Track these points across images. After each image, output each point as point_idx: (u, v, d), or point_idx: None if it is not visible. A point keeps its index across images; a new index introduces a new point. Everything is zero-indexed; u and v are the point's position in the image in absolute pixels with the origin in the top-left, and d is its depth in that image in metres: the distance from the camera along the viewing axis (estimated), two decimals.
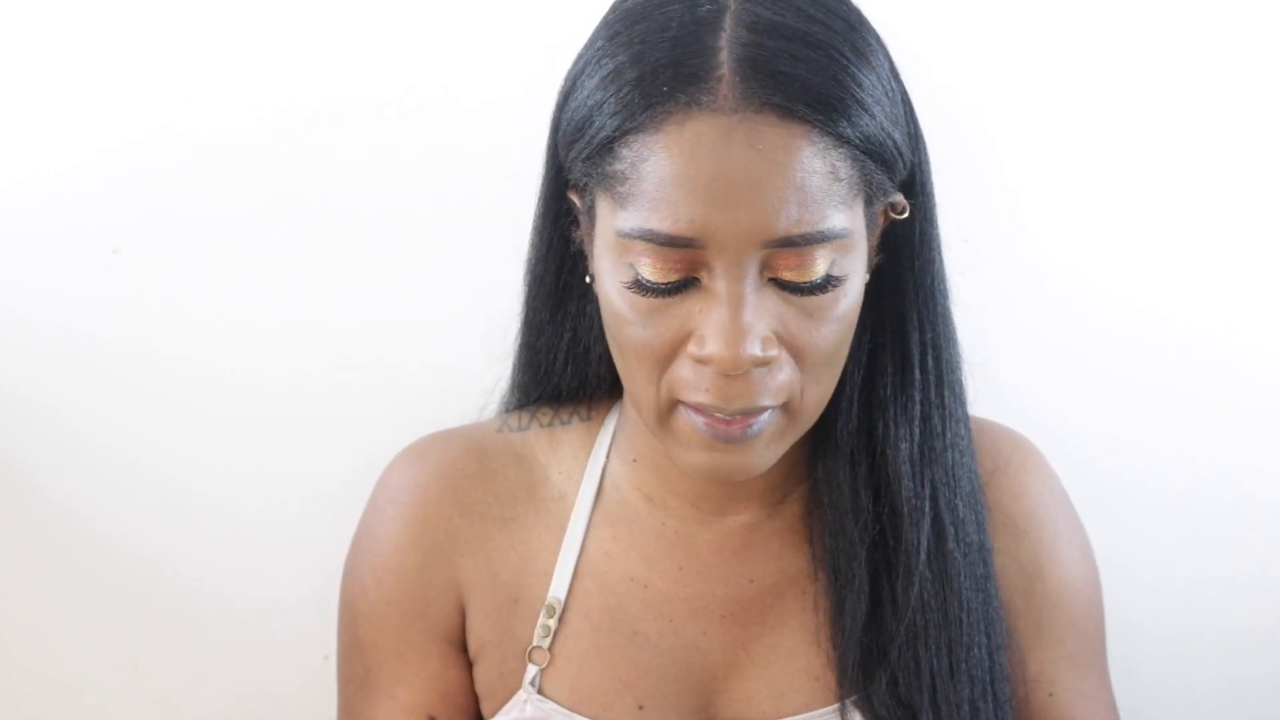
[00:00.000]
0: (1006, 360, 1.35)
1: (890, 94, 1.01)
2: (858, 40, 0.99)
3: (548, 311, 1.14)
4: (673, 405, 1.01)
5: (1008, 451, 1.19)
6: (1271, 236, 1.42)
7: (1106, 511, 1.26)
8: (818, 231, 0.96)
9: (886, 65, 1.02)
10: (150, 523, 1.41)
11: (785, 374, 1.00)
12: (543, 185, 1.09)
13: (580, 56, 1.03)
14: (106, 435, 1.40)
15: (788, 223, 0.95)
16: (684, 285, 0.98)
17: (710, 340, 0.97)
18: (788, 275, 0.97)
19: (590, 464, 1.16)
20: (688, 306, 0.98)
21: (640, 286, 0.98)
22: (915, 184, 1.07)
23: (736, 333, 0.96)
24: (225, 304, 1.39)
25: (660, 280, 0.97)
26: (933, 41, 1.38)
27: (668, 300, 0.98)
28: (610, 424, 1.17)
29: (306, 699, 1.40)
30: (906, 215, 1.05)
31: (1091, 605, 1.19)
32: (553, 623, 1.13)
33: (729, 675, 1.13)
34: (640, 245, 0.97)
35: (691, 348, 0.98)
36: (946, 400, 1.12)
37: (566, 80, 1.04)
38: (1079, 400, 1.43)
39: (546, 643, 1.13)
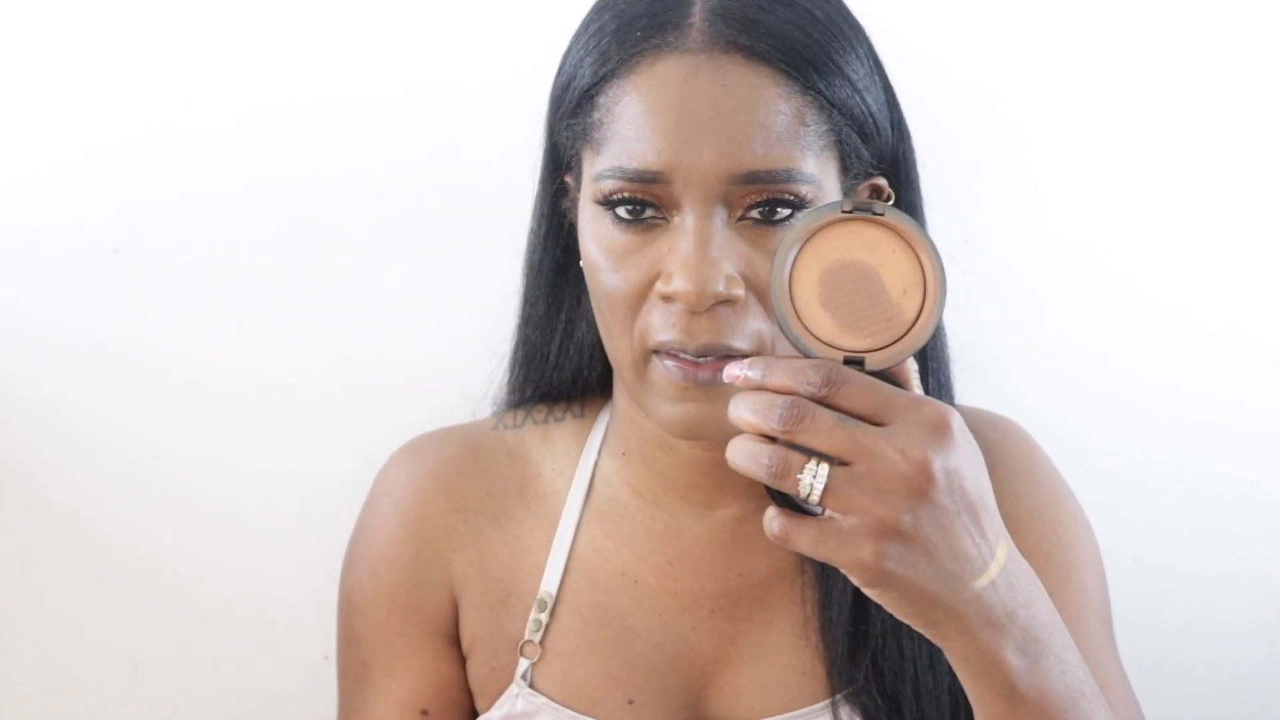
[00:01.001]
0: (1006, 359, 1.36)
1: (868, 71, 1.03)
2: (832, 12, 1.02)
3: (544, 303, 1.15)
4: (647, 356, 1.02)
5: (994, 436, 1.18)
6: (1272, 234, 1.42)
7: (1107, 509, 1.25)
8: (784, 169, 0.98)
9: (865, 48, 1.04)
10: (150, 523, 1.41)
11: (754, 321, 1.00)
12: (540, 171, 1.12)
13: (572, 35, 1.06)
14: (106, 435, 1.41)
15: (753, 158, 0.97)
16: (654, 223, 1.00)
17: (676, 276, 0.98)
18: (754, 213, 0.99)
19: (582, 460, 1.17)
20: (658, 248, 1.00)
21: (615, 222, 1.00)
22: (900, 174, 1.08)
23: (701, 266, 0.97)
24: (225, 304, 1.40)
25: (632, 217, 1.00)
26: (934, 43, 1.38)
27: (639, 239, 1.00)
28: (603, 421, 1.18)
29: (306, 699, 1.40)
30: (891, 203, 1.05)
31: (1091, 573, 1.17)
32: (544, 617, 1.14)
33: (718, 670, 1.13)
34: (612, 184, 0.99)
35: (659, 285, 1.00)
36: (932, 391, 1.12)
37: (560, 61, 1.07)
38: (1079, 399, 1.43)
39: (538, 637, 1.14)
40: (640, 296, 1.01)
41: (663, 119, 0.97)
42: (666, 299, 0.99)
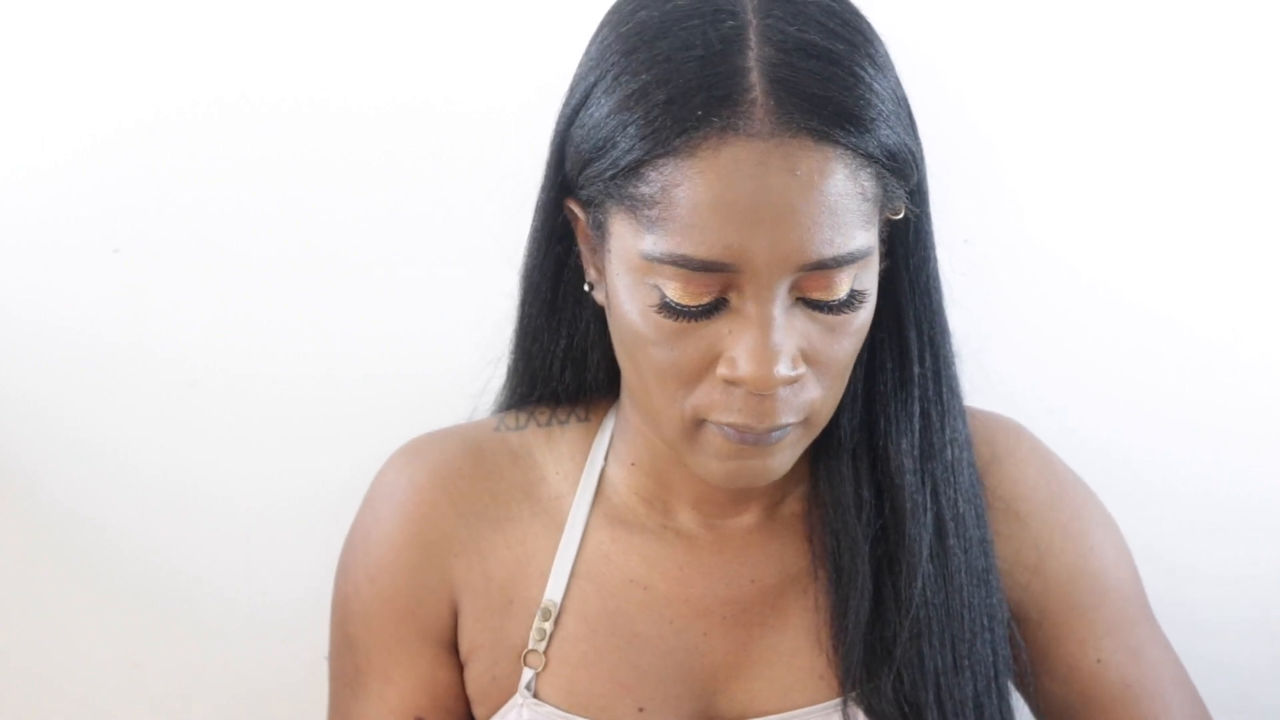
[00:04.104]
0: (1007, 361, 1.35)
1: (902, 101, 1.01)
2: (873, 53, 0.98)
3: (543, 318, 1.13)
4: (699, 424, 1.01)
5: (1001, 438, 1.19)
6: (1272, 237, 1.42)
7: (1108, 509, 1.26)
8: (847, 254, 0.96)
9: (893, 75, 1.01)
10: (150, 523, 1.42)
11: (809, 393, 1.00)
12: (542, 194, 1.08)
13: (591, 70, 1.01)
14: (106, 435, 1.41)
15: (821, 246, 0.95)
16: (713, 308, 0.97)
17: (742, 362, 0.97)
18: (815, 295, 0.97)
19: (588, 466, 1.15)
20: (715, 328, 0.98)
21: (668, 309, 0.97)
22: (915, 189, 1.05)
23: (769, 354, 0.96)
24: (225, 304, 1.40)
25: (690, 304, 0.97)
26: (929, 42, 1.37)
27: (695, 323, 0.98)
28: (608, 427, 1.16)
29: (306, 699, 1.39)
30: (902, 216, 1.04)
31: (1119, 564, 1.18)
32: (548, 626, 1.13)
33: (730, 676, 1.13)
34: (670, 269, 0.96)
35: (722, 370, 0.98)
36: (944, 396, 1.12)
37: (575, 94, 1.02)
38: (1080, 401, 1.43)
39: (542, 646, 1.12)
40: (696, 375, 0.99)
41: (731, 211, 0.94)
42: (730, 383, 0.98)
